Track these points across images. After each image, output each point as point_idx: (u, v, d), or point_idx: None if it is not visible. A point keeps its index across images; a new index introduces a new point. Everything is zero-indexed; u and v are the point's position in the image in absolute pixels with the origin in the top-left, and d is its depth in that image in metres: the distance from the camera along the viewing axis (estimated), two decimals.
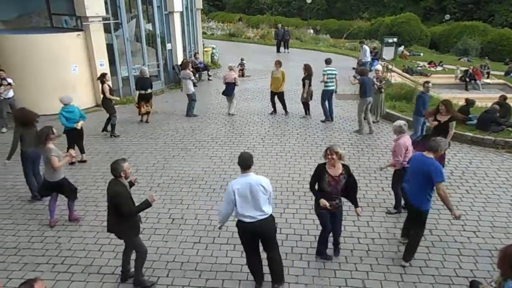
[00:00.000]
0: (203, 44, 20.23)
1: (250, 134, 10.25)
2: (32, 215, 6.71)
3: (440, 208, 6.55)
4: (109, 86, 9.87)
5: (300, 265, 5.39)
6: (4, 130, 10.51)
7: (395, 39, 20.28)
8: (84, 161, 8.64)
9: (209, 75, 16.93)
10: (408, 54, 23.06)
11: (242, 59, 17.54)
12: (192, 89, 11.50)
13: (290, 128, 10.67)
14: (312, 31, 32.66)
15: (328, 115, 11.16)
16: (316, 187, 5.14)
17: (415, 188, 5.17)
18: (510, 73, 19.56)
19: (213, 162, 8.67)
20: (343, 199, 5.29)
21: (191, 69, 15.15)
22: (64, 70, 11.73)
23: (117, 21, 13.08)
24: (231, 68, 11.87)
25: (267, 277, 5.00)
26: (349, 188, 5.15)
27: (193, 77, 11.48)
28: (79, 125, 8.17)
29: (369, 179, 7.78)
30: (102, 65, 12.37)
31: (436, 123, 7.51)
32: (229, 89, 11.58)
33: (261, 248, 4.86)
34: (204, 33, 25.95)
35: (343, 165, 5.10)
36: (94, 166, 8.52)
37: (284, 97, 11.64)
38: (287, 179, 7.83)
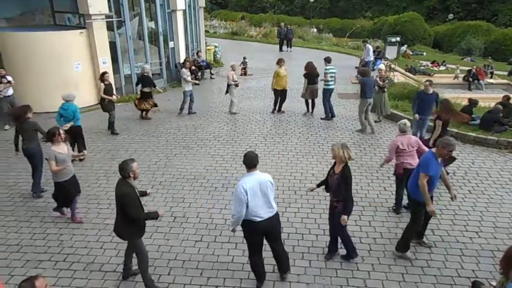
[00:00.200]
0: (206, 43, 20.24)
1: (252, 133, 10.24)
2: (34, 212, 6.73)
3: (442, 208, 6.56)
4: (105, 85, 9.79)
5: (302, 264, 5.39)
6: (6, 127, 10.54)
7: (398, 39, 20.23)
8: (82, 159, 8.53)
9: (211, 74, 16.93)
10: (411, 53, 22.97)
11: (244, 58, 17.53)
12: (186, 87, 11.36)
13: (292, 127, 10.66)
14: (315, 30, 32.59)
15: (329, 114, 11.17)
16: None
17: (413, 179, 5.38)
18: None
19: (215, 160, 8.67)
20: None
21: (193, 68, 15.25)
22: (67, 68, 11.74)
23: (120, 19, 13.08)
24: (231, 67, 11.87)
25: (267, 276, 5.01)
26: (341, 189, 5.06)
27: (185, 76, 11.24)
28: (67, 126, 7.87)
29: (371, 179, 7.77)
30: (105, 63, 12.37)
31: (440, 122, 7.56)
32: (227, 88, 11.68)
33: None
34: (206, 31, 25.96)
35: (344, 165, 5.04)
36: (97, 163, 8.54)
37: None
38: (289, 178, 7.82)
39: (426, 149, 6.03)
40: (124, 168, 4.56)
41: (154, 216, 4.70)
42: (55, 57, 11.48)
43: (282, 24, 25.15)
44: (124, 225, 4.66)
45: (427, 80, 9.20)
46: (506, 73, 19.49)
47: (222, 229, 6.17)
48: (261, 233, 4.69)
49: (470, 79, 17.20)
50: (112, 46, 12.83)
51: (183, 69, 11.51)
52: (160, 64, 14.93)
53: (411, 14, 28.71)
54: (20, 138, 7.01)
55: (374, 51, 17.76)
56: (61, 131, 6.09)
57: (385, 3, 40.71)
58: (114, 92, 10.69)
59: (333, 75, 10.96)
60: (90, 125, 10.55)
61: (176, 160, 8.70)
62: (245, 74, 17.10)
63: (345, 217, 5.05)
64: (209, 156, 8.88)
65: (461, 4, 36.50)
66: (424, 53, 24.42)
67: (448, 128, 8.03)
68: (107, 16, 12.37)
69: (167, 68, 15.29)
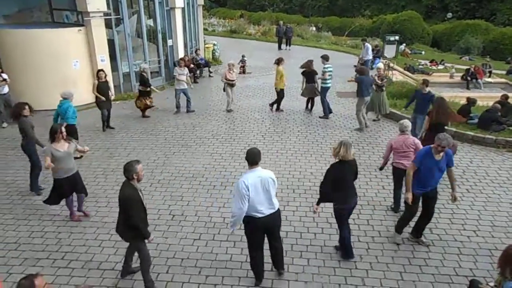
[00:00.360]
0: (204, 41, 20.19)
1: (251, 131, 10.24)
2: (32, 210, 6.71)
3: (440, 207, 6.57)
4: (99, 82, 9.83)
5: (300, 262, 5.40)
6: (4, 125, 10.50)
7: (396, 37, 20.23)
8: (80, 157, 8.54)
9: (210, 72, 16.90)
10: (409, 52, 22.98)
11: (243, 56, 17.50)
12: (176, 86, 11.35)
13: (291, 125, 10.66)
14: (314, 28, 32.57)
15: (327, 112, 11.19)
16: None
17: None
18: None
19: (213, 159, 8.67)
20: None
21: (192, 66, 15.23)
22: (65, 65, 11.70)
23: (118, 16, 13.03)
24: (228, 65, 11.86)
25: (266, 274, 5.02)
26: None
27: (175, 74, 11.24)
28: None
29: (369, 177, 7.78)
30: (103, 61, 12.33)
31: None
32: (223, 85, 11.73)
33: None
34: (205, 29, 25.91)
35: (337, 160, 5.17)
36: (95, 161, 8.52)
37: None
38: (288, 176, 7.83)
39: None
40: (128, 170, 4.48)
41: (146, 235, 4.58)
42: (53, 54, 11.43)
43: (281, 22, 25.13)
44: (126, 227, 4.61)
45: (422, 79, 9.24)
46: (504, 72, 19.52)
47: (220, 227, 6.17)
48: (262, 230, 4.71)
49: (469, 78, 17.23)
50: (111, 43, 12.79)
51: (175, 68, 11.54)
52: (159, 62, 14.90)
53: (410, 13, 28.73)
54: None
55: (373, 50, 17.78)
56: (63, 129, 6.05)
57: (384, 1, 40.71)
58: (113, 91, 10.67)
59: (331, 73, 10.99)
60: (88, 123, 10.54)
61: (174, 158, 8.69)
62: (243, 72, 17.08)
63: (316, 206, 5.31)
64: (207, 155, 8.87)
65: (459, 3, 36.53)
66: (423, 52, 24.45)
67: (446, 127, 8.04)
68: (106, 14, 12.32)
69: (166, 66, 15.25)
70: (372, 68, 15.21)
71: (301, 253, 5.59)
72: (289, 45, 23.85)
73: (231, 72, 11.50)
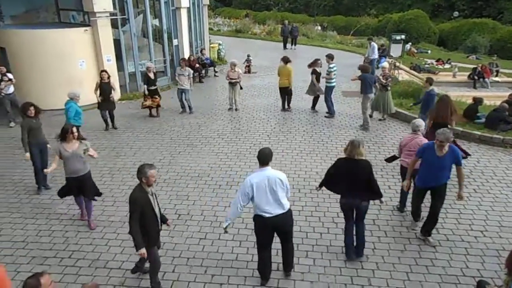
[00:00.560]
0: (210, 40, 20.21)
1: (257, 131, 10.23)
2: (40, 209, 6.76)
3: (447, 207, 6.53)
4: (101, 82, 9.95)
5: (306, 262, 5.39)
6: (12, 124, 10.59)
7: (402, 36, 20.11)
8: None
9: (215, 71, 16.92)
10: (415, 51, 22.85)
11: (248, 56, 17.50)
12: (178, 86, 11.38)
13: (297, 125, 10.64)
14: (319, 27, 32.48)
15: (333, 111, 11.17)
16: None
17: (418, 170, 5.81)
18: None
19: (219, 158, 8.68)
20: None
21: (197, 66, 15.26)
22: (71, 65, 11.77)
23: (124, 16, 13.09)
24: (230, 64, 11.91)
25: (272, 274, 5.02)
26: None
27: (176, 74, 11.32)
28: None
29: (375, 177, 7.72)
30: (109, 61, 12.39)
31: None
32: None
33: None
34: (210, 29, 25.89)
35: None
36: (101, 161, 8.55)
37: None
38: (293, 176, 7.81)
39: None
40: (138, 171, 4.44)
41: (138, 246, 4.44)
42: (59, 54, 11.51)
43: (286, 22, 25.05)
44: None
45: (426, 78, 9.22)
46: (511, 71, 19.35)
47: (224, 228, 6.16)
48: (270, 229, 4.71)
49: (476, 77, 17.09)
50: (117, 43, 12.85)
51: (177, 68, 11.57)
52: (164, 61, 14.93)
53: (416, 12, 28.56)
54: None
55: (378, 49, 17.68)
56: (74, 129, 5.99)
57: (390, 0, 40.51)
58: (118, 91, 10.70)
59: (336, 72, 10.97)
60: (95, 122, 10.58)
61: (180, 158, 8.71)
62: (249, 72, 17.07)
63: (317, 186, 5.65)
64: (213, 154, 8.89)
65: (466, 1, 36.27)
66: (429, 51, 24.30)
67: (449, 126, 7.96)
68: (112, 14, 12.37)
69: (171, 65, 15.28)
70: (378, 68, 15.14)
71: (307, 252, 5.59)
72: (295, 45, 23.80)
73: (233, 71, 11.53)
